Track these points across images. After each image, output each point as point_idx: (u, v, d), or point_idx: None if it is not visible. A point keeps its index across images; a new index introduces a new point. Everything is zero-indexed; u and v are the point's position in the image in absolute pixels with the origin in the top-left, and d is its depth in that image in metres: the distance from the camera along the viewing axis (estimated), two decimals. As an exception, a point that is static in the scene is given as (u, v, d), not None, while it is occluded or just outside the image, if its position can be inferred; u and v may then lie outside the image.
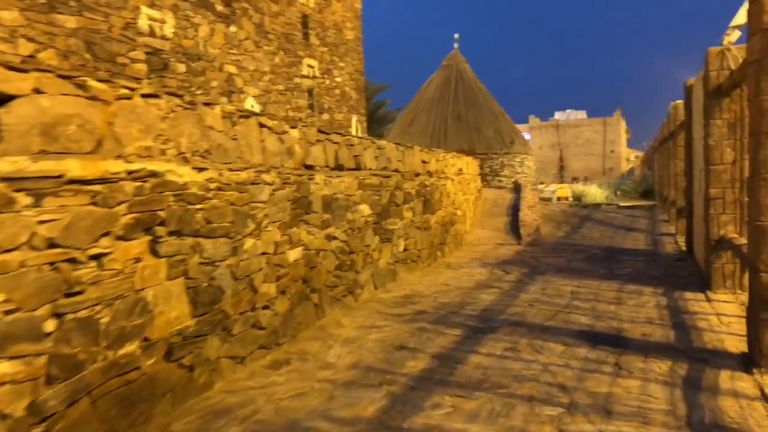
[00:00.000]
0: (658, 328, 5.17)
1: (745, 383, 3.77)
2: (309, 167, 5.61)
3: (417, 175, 8.93)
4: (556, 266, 8.82)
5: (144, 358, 3.38)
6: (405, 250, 8.22)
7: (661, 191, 18.35)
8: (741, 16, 5.58)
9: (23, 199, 2.68)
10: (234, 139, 4.39)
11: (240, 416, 3.51)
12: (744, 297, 5.75)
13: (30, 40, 7.70)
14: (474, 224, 13.26)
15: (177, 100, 3.79)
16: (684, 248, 9.80)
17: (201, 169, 3.96)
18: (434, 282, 7.78)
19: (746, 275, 5.66)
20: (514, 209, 14.05)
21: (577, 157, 52.50)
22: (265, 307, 4.70)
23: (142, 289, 3.40)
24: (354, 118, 17.70)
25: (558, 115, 56.42)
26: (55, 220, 2.82)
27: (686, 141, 9.52)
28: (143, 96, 3.49)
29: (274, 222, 4.89)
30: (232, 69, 12.01)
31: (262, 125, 4.81)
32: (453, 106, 21.26)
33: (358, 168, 6.77)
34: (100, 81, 3.19)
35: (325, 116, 15.97)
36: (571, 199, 22.53)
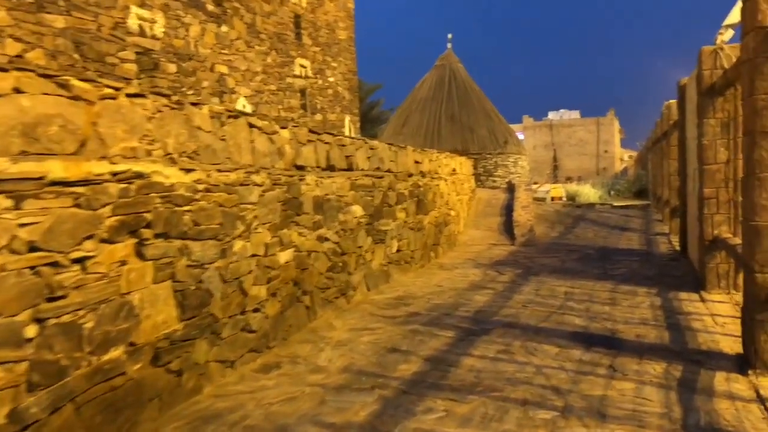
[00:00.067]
0: (652, 329, 5.13)
1: (740, 385, 3.74)
2: (300, 168, 5.55)
3: (410, 175, 8.88)
4: (549, 267, 8.78)
5: (130, 363, 3.31)
6: (398, 251, 8.16)
7: (654, 191, 18.39)
8: (734, 15, 5.57)
9: (2, 202, 2.60)
10: (222, 139, 4.33)
11: (229, 421, 3.44)
12: (738, 297, 5.73)
13: (17, 39, 7.60)
14: (468, 225, 13.22)
15: (163, 100, 3.72)
16: (678, 248, 9.79)
17: (188, 170, 3.89)
18: (427, 283, 7.73)
19: (740, 275, 5.64)
20: (508, 209, 14.03)
21: (570, 157, 52.62)
22: (255, 310, 4.64)
23: (128, 293, 3.33)
24: (347, 119, 17.63)
25: (551, 115, 56.55)
26: (36, 223, 2.75)
27: (680, 140, 9.51)
28: (128, 96, 3.42)
29: (264, 223, 4.82)
30: (224, 69, 11.93)
31: (251, 125, 4.75)
32: (446, 106, 21.22)
33: (350, 168, 6.71)
34: (84, 80, 3.12)
35: (318, 116, 15.90)
36: (564, 199, 22.56)
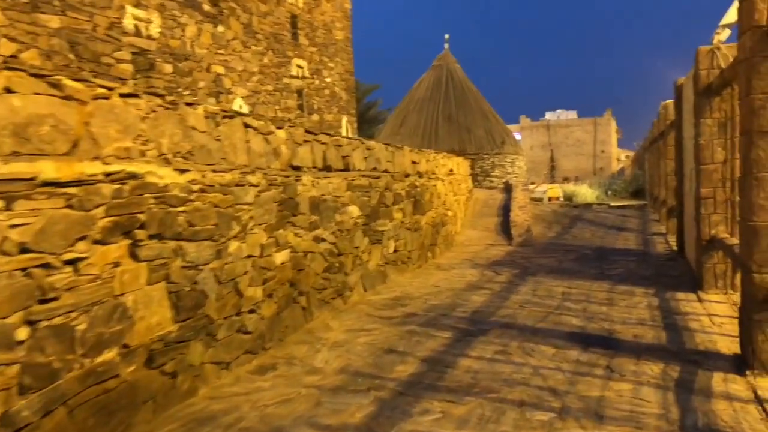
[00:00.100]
0: (649, 330, 5.12)
1: (738, 386, 3.72)
2: (296, 168, 5.52)
3: (407, 175, 8.86)
4: (547, 267, 8.77)
5: (123, 366, 3.28)
6: (395, 251, 8.14)
7: (651, 191, 18.39)
8: (731, 15, 5.56)
9: (-7, 203, 2.57)
10: (218, 139, 4.30)
11: (224, 423, 3.41)
12: (735, 297, 5.72)
13: (12, 39, 7.56)
14: (465, 225, 13.20)
15: (158, 100, 3.69)
16: (675, 248, 9.78)
17: (183, 171, 3.86)
18: (425, 283, 7.71)
19: (738, 275, 5.62)
20: (505, 210, 14.01)
21: (567, 157, 52.67)
22: (251, 311, 4.61)
23: (122, 295, 3.30)
24: (344, 119, 17.61)
25: (549, 116, 56.58)
26: (27, 224, 2.72)
27: (676, 140, 9.50)
28: (122, 96, 3.39)
29: (260, 224, 4.80)
30: (220, 69, 11.89)
31: (247, 126, 4.72)
32: (444, 107, 21.22)
33: (346, 169, 6.69)
34: (76, 80, 3.09)
35: (315, 117, 15.87)
36: (562, 199, 22.54)
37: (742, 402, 3.47)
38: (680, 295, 6.44)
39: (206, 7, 11.52)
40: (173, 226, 3.73)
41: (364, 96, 31.74)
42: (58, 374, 2.86)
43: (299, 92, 15.15)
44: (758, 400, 3.46)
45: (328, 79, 16.63)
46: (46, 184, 2.83)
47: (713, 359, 4.24)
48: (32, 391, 2.72)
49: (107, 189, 3.20)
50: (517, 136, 37.84)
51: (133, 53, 9.59)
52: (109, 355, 3.18)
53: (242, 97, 12.60)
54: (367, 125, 29.67)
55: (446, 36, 23.50)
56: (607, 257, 9.64)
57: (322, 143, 6.11)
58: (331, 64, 16.81)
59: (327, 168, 6.18)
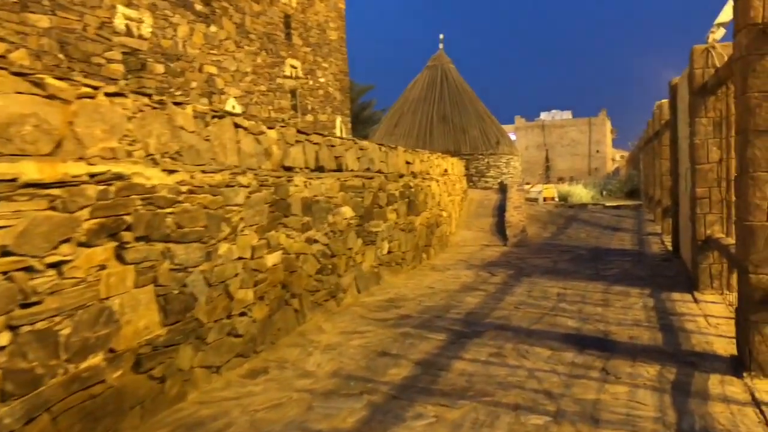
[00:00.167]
0: (645, 331, 5.07)
1: (735, 388, 3.67)
2: (288, 169, 5.45)
3: (401, 176, 8.80)
4: (542, 267, 8.72)
5: (110, 371, 3.21)
6: (389, 252, 8.07)
7: (646, 191, 18.39)
8: (726, 13, 5.52)
9: (-28, 205, 2.50)
10: (207, 139, 4.23)
11: (213, 429, 3.35)
12: (731, 297, 5.68)
13: (1, 40, 7.46)
14: (460, 225, 13.15)
15: (145, 99, 3.62)
16: (670, 248, 9.76)
17: (171, 171, 3.79)
18: (419, 285, 7.65)
19: (733, 275, 5.59)
20: (500, 210, 13.98)
21: (562, 157, 52.70)
22: (242, 314, 4.54)
23: (108, 298, 3.22)
24: (338, 119, 17.53)
25: (544, 116, 56.61)
26: (8, 226, 2.64)
27: (671, 140, 9.48)
28: (108, 95, 3.32)
29: (250, 226, 4.73)
30: (213, 69, 11.80)
31: (237, 126, 4.65)
32: (438, 107, 21.15)
33: (339, 169, 6.62)
34: (60, 79, 3.01)
35: (309, 117, 15.79)
36: (557, 199, 22.55)
37: (740, 405, 3.42)
38: (676, 295, 6.40)
39: (198, 7, 11.43)
40: (161, 227, 3.66)
41: (359, 96, 31.66)
42: (42, 380, 2.78)
43: (293, 92, 15.07)
44: (756, 403, 3.42)
45: (322, 80, 16.56)
46: (28, 185, 2.75)
47: (710, 361, 4.19)
48: (14, 398, 2.64)
49: (92, 190, 3.13)
50: (512, 137, 37.82)
51: (124, 53, 9.50)
52: (95, 360, 3.11)
53: (235, 97, 12.51)
54: (361, 126, 29.60)
55: (441, 36, 23.38)
56: (603, 258, 9.61)
57: (315, 143, 6.05)
58: (325, 65, 16.74)
59: (319, 168, 6.11)
